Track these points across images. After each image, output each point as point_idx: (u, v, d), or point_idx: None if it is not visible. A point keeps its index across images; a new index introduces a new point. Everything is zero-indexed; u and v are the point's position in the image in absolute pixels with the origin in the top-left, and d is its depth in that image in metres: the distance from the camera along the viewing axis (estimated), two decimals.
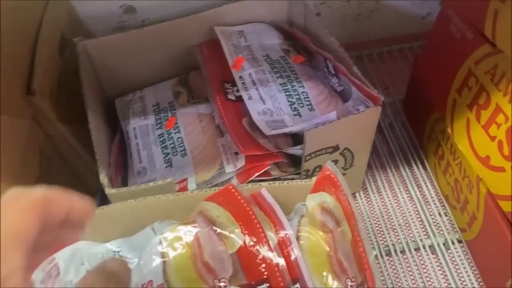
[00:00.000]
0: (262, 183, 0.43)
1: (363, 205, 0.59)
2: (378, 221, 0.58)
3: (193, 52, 0.60)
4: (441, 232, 0.56)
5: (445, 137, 0.53)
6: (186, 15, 0.60)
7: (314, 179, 0.43)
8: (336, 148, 0.50)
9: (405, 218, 0.58)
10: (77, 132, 0.53)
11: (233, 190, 0.42)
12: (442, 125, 0.53)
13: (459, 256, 0.54)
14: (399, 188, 0.61)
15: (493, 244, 0.47)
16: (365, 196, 0.60)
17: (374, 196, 0.60)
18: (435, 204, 0.59)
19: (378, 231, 0.57)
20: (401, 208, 0.59)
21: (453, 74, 0.48)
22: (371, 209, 0.59)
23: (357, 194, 0.60)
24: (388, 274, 0.53)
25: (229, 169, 0.49)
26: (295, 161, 0.51)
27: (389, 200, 0.60)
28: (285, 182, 0.43)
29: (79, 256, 0.42)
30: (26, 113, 0.47)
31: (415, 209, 0.59)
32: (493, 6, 0.41)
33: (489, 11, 0.42)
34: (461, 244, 0.55)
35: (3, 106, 0.44)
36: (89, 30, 0.64)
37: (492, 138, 0.43)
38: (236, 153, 0.49)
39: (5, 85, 0.44)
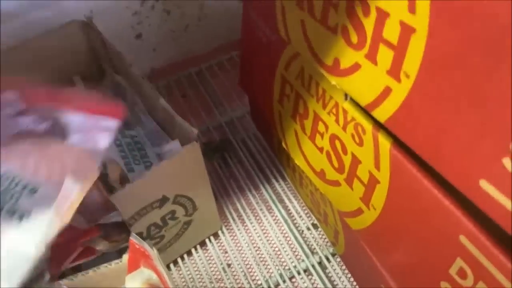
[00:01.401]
0: (62, 281, 0.34)
1: (228, 243, 0.52)
2: (247, 257, 0.51)
3: None
4: (314, 249, 0.51)
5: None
6: None
7: (125, 257, 0.34)
8: (164, 199, 0.42)
9: (274, 245, 0.51)
10: None
11: None
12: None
13: (337, 273, 0.49)
14: (262, 211, 0.54)
15: (360, 258, 0.41)
16: (228, 232, 0.53)
17: (239, 229, 0.53)
18: (301, 219, 0.53)
19: (249, 269, 0.50)
20: (268, 235, 0.52)
21: (271, 83, 0.42)
22: (238, 245, 0.52)
23: (219, 232, 0.53)
24: None
25: None
26: None
27: (254, 228, 0.53)
28: (91, 270, 0.34)
29: None
30: None
31: (283, 231, 0.52)
32: (280, 2, 0.35)
33: (277, 8, 0.36)
34: (337, 257, 0.50)
35: None
36: None
37: (320, 150, 0.37)
38: None
39: None
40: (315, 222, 0.52)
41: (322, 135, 0.36)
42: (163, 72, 0.70)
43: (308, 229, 0.52)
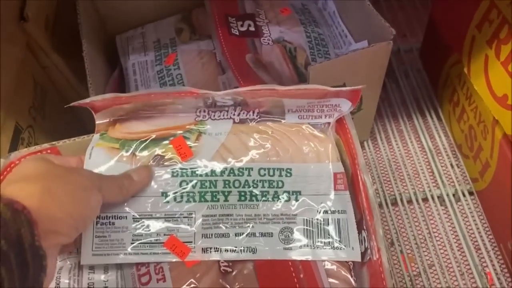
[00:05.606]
0: None
1: (371, 153, 0.57)
2: (386, 170, 0.55)
3: None
4: (452, 183, 0.53)
5: (461, 81, 0.50)
6: None
7: None
8: (342, 86, 0.47)
9: (414, 168, 0.55)
10: (75, 66, 0.51)
11: None
12: (459, 68, 0.50)
13: (469, 208, 0.51)
14: (410, 138, 0.57)
15: (506, 192, 0.44)
16: (373, 145, 0.57)
17: (383, 145, 0.57)
18: (447, 155, 0.56)
19: (385, 181, 0.54)
20: (411, 158, 0.56)
21: (474, 9, 0.44)
22: (379, 158, 0.56)
23: (365, 143, 0.57)
24: (393, 224, 0.51)
25: None
26: None
27: (399, 150, 0.57)
28: None
29: None
30: (18, 40, 0.45)
31: (426, 159, 0.56)
32: None
33: None
34: (472, 197, 0.52)
35: None
36: None
37: (511, 75, 0.39)
38: None
39: None
40: (459, 161, 0.55)
41: None
42: None
43: (451, 165, 0.55)
